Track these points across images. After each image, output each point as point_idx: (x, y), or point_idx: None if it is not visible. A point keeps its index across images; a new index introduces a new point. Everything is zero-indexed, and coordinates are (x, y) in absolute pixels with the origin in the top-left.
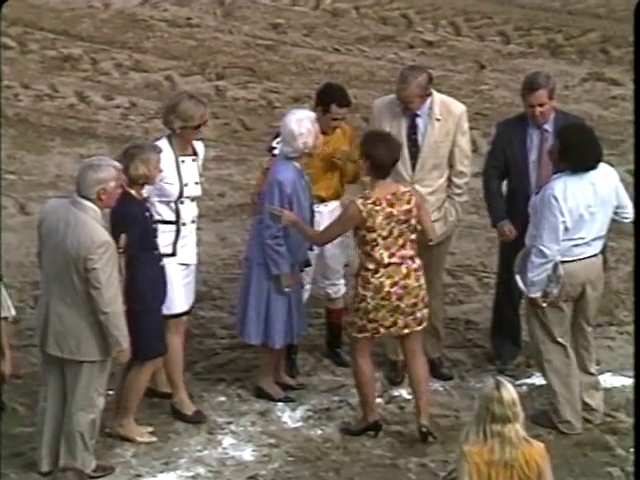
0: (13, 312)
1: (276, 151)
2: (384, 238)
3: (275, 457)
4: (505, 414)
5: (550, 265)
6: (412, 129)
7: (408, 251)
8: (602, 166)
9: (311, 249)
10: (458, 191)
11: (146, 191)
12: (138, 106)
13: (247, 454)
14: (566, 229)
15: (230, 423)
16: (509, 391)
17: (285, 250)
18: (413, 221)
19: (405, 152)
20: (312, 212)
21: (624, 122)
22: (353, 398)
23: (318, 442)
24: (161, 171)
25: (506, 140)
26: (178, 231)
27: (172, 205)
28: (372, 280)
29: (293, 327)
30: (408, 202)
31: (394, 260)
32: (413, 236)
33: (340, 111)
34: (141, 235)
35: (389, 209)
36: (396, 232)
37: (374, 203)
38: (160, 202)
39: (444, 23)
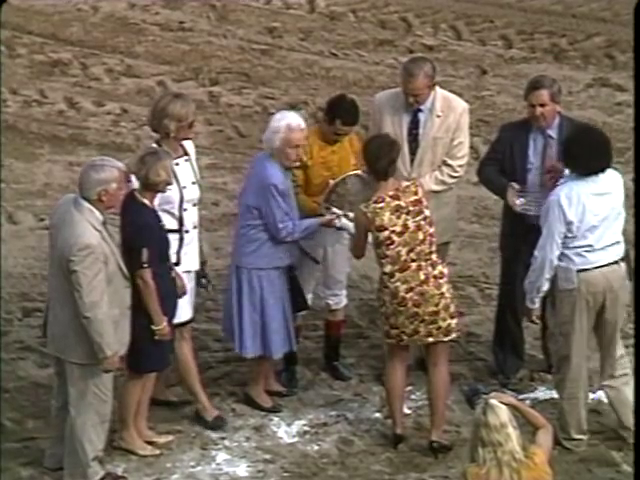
0: None
1: None
2: (399, 234)
3: (270, 473)
4: (494, 439)
5: (546, 274)
6: (414, 124)
7: (426, 247)
8: (610, 172)
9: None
10: (441, 175)
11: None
12: (129, 112)
13: (241, 470)
14: (574, 236)
15: (224, 438)
16: (496, 414)
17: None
18: (427, 212)
19: (405, 147)
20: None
21: (629, 129)
22: (351, 413)
23: (315, 458)
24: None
25: (507, 144)
26: (182, 239)
27: (176, 213)
28: (388, 284)
29: (268, 341)
30: (415, 193)
31: (412, 256)
32: (432, 229)
33: (344, 128)
34: (159, 246)
35: (395, 202)
36: (412, 225)
37: (376, 202)
38: (163, 211)
39: (444, 27)
